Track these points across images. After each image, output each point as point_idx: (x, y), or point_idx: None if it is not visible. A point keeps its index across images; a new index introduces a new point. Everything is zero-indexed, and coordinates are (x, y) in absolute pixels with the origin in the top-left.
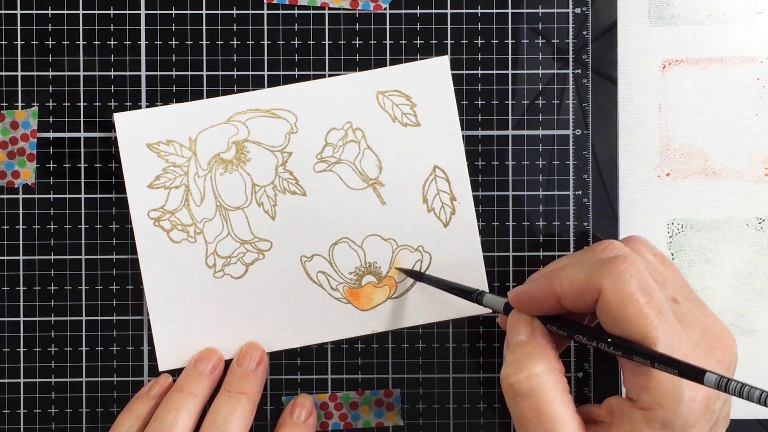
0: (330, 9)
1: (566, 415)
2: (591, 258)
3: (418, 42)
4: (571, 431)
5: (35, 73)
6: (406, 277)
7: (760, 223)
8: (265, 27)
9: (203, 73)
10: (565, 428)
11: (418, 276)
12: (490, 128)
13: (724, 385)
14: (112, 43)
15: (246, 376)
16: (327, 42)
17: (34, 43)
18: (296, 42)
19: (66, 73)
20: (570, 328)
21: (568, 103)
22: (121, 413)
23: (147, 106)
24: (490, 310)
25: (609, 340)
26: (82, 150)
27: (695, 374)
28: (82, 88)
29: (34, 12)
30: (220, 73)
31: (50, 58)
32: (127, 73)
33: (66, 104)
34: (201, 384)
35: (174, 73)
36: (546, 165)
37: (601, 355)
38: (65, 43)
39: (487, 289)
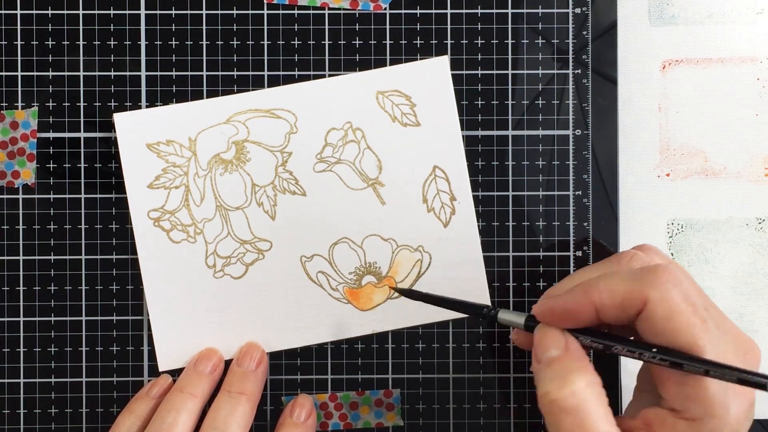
0: (330, 9)
1: (610, 430)
2: (626, 268)
3: (418, 42)
4: None
5: (35, 73)
6: (405, 277)
7: (760, 223)
8: (265, 27)
9: (203, 73)
10: None
11: (422, 297)
12: (490, 128)
13: None
14: (112, 43)
15: (246, 376)
16: (327, 42)
17: (34, 43)
18: (296, 42)
19: (66, 73)
20: (607, 338)
21: (568, 103)
22: (121, 413)
23: (147, 106)
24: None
25: (654, 350)
26: (82, 150)
27: (756, 381)
28: (82, 88)
29: (34, 12)
30: (220, 73)
31: (50, 58)
32: (127, 73)
33: (66, 104)
34: (201, 384)
35: (174, 73)
36: (546, 165)
37: (600, 357)
38: (65, 43)
39: (488, 293)
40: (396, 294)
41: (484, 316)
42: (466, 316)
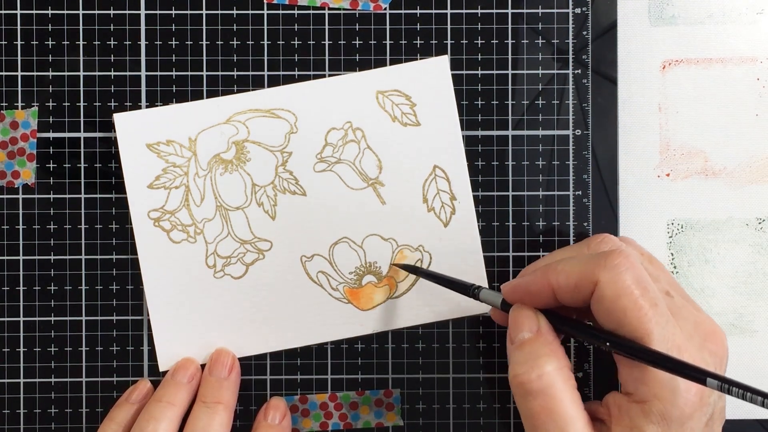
0: (330, 9)
1: (576, 413)
2: (587, 252)
3: (418, 42)
4: (581, 429)
5: (35, 73)
6: (406, 277)
7: (760, 223)
8: (265, 27)
9: (203, 73)
10: (576, 426)
11: (413, 270)
12: (490, 128)
13: (726, 389)
14: (112, 43)
15: (220, 384)
16: (327, 42)
17: (34, 43)
18: (296, 42)
19: (66, 73)
20: (567, 325)
21: (568, 103)
22: (103, 422)
23: (147, 106)
24: (487, 307)
25: (606, 341)
26: (82, 150)
27: (697, 375)
28: (82, 88)
29: (34, 12)
30: (220, 73)
31: (50, 58)
32: (127, 73)
33: (66, 104)
34: (179, 393)
35: (174, 73)
36: (546, 165)
37: (601, 356)
38: (65, 43)
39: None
40: (396, 293)
41: (469, 294)
42: (466, 315)
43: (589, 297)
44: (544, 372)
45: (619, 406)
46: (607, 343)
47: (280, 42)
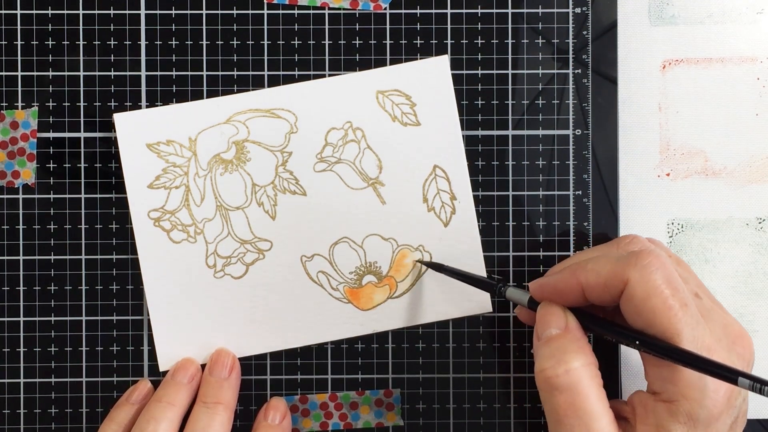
0: (330, 9)
1: (602, 410)
2: (616, 251)
3: (418, 42)
4: (606, 427)
5: (35, 73)
6: (406, 277)
7: (760, 223)
8: (265, 27)
9: (203, 73)
10: (601, 423)
11: (438, 267)
12: (490, 128)
13: (758, 388)
14: (112, 43)
15: (220, 385)
16: (327, 42)
17: (34, 43)
18: (296, 42)
19: (66, 73)
20: (596, 323)
21: (568, 103)
22: (103, 422)
23: (147, 106)
24: (488, 308)
25: (636, 340)
26: (82, 150)
27: (729, 375)
28: (82, 88)
29: (34, 12)
30: (220, 73)
31: (50, 58)
32: (127, 73)
33: (66, 104)
34: (179, 393)
35: (174, 73)
36: (546, 165)
37: (601, 351)
38: (65, 43)
39: (487, 292)
40: (397, 293)
41: (494, 291)
42: (467, 315)
43: (618, 296)
44: (571, 368)
45: (645, 405)
46: (637, 342)
47: (280, 42)
